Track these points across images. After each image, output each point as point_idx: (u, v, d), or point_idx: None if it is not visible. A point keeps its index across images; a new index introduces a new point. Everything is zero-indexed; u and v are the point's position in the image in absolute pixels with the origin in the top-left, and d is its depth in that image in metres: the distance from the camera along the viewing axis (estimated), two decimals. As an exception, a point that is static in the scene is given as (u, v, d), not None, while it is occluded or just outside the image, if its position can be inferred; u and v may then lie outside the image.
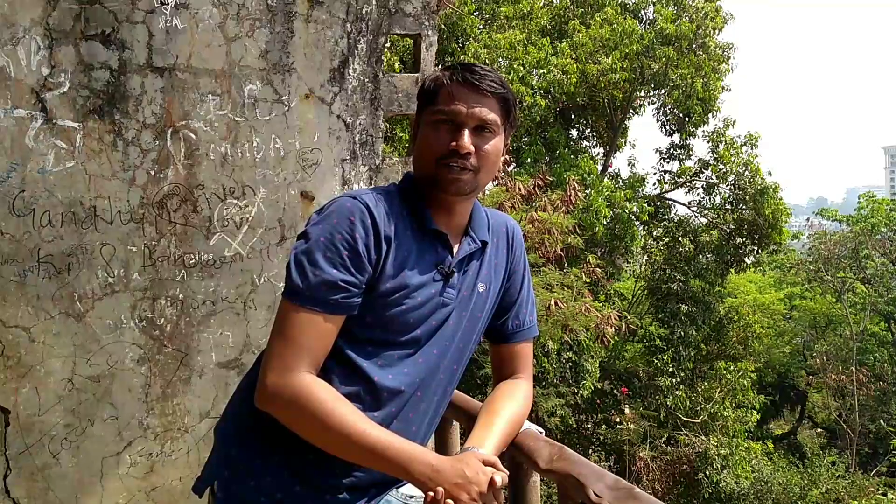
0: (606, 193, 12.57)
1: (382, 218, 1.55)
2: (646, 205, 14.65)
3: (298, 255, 1.52)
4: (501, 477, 1.50)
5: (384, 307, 1.55)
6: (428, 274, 1.60)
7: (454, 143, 1.57)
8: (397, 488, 1.67)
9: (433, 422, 1.71)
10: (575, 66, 12.98)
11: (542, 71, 12.86)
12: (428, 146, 1.61)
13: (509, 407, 1.70)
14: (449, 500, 1.43)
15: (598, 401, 12.28)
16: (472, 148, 1.58)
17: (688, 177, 15.72)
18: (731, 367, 14.08)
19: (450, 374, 1.68)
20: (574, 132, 15.52)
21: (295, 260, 1.52)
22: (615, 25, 13.49)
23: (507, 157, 11.75)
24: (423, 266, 1.59)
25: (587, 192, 12.23)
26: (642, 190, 15.06)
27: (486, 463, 1.51)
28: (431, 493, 1.43)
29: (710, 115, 14.42)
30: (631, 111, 15.19)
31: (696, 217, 15.81)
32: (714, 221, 15.32)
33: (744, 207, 14.73)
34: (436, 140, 1.59)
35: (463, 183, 1.59)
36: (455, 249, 1.66)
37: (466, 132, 1.58)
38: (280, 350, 1.50)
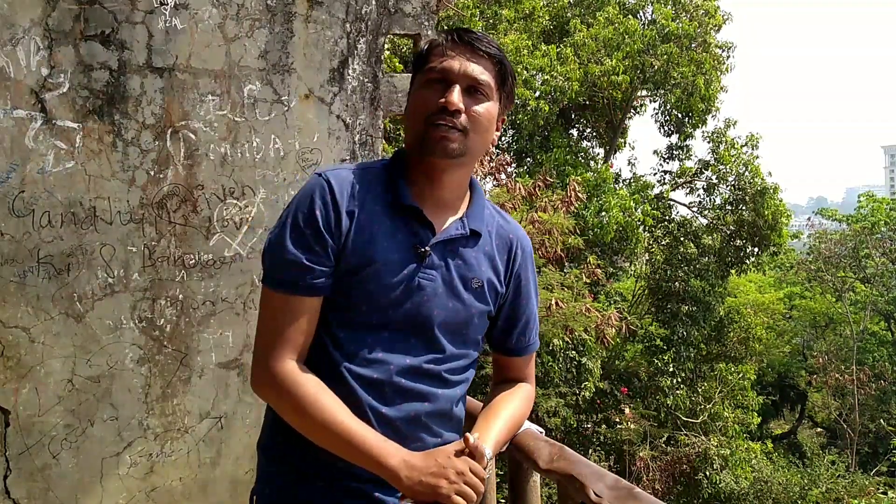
0: (619, 202, 12.54)
1: (346, 192, 1.49)
2: (649, 207, 14.64)
3: (270, 240, 1.51)
4: (475, 437, 1.48)
5: (351, 286, 1.48)
6: (401, 252, 1.50)
7: (443, 100, 1.48)
8: None
9: (432, 424, 1.55)
10: (578, 70, 12.99)
11: (545, 76, 12.87)
12: (417, 105, 1.52)
13: (510, 406, 1.70)
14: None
15: (599, 401, 12.27)
16: (461, 106, 1.48)
17: (688, 177, 15.73)
18: (733, 369, 14.09)
19: (442, 368, 1.56)
20: (574, 132, 15.53)
21: (267, 244, 1.52)
22: (617, 25, 13.49)
23: (508, 158, 11.76)
24: (393, 243, 1.50)
25: (600, 199, 12.21)
26: (648, 196, 15.06)
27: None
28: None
29: (709, 116, 14.43)
30: (631, 111, 15.19)
31: (697, 218, 15.82)
32: (714, 223, 15.33)
33: (744, 208, 14.73)
34: (426, 98, 1.51)
35: (450, 142, 1.47)
36: (439, 230, 1.54)
37: (457, 88, 1.49)
38: (263, 338, 1.50)
